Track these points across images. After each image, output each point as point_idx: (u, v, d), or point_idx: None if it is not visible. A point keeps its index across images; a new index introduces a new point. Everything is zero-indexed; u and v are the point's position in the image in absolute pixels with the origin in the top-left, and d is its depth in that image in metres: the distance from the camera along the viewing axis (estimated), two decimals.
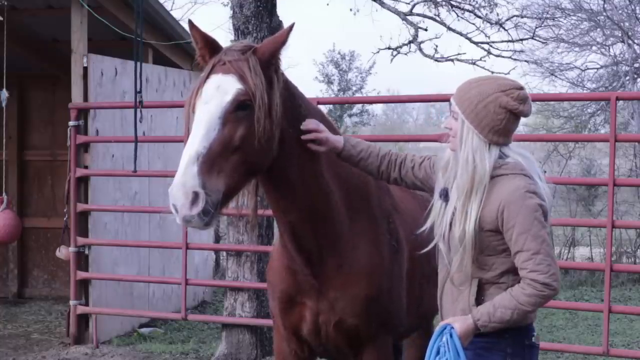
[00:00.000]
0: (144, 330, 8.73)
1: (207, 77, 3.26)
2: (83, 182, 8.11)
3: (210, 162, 3.08)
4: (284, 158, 3.42)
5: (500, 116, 3.12)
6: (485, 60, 14.92)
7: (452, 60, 14.86)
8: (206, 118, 3.15)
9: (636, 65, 15.55)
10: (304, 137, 3.50)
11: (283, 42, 3.33)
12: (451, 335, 3.04)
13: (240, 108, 3.19)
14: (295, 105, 3.50)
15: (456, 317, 3.13)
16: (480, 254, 3.12)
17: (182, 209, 3.03)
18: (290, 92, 3.49)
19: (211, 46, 3.36)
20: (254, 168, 3.31)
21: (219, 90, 3.20)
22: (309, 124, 3.52)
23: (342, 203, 3.66)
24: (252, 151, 3.21)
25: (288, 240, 3.65)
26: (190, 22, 3.41)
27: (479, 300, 3.15)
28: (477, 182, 3.08)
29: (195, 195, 3.02)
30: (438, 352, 3.06)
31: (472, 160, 3.09)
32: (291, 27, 3.36)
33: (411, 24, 14.28)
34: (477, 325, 3.07)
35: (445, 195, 3.23)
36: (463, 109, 3.13)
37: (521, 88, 3.18)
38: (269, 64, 3.31)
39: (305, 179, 3.52)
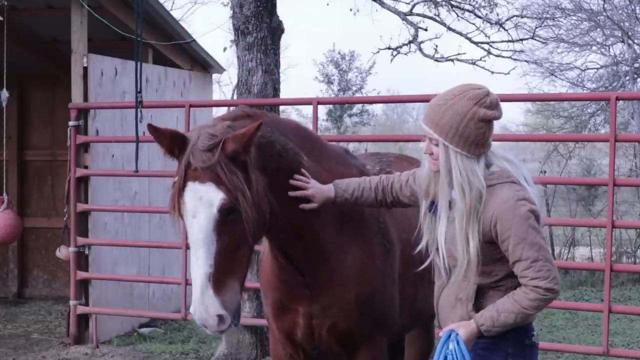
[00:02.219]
0: (144, 330, 8.73)
1: (184, 184, 3.20)
2: (83, 182, 8.11)
3: (220, 275, 3.17)
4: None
5: (482, 130, 3.10)
6: (485, 60, 14.95)
7: (452, 60, 14.88)
8: (202, 235, 3.17)
9: (636, 65, 15.54)
10: (291, 193, 3.55)
11: (250, 141, 3.21)
12: (458, 342, 3.04)
13: (228, 214, 3.18)
14: (267, 155, 3.42)
15: (460, 322, 3.13)
16: (479, 265, 3.11)
17: (212, 328, 3.19)
18: (262, 150, 3.37)
19: (178, 141, 3.27)
20: (257, 240, 3.44)
21: (203, 202, 3.17)
22: (296, 181, 3.56)
23: (330, 210, 3.66)
24: (250, 241, 3.29)
25: (278, 255, 3.68)
26: (150, 126, 3.29)
27: (477, 305, 3.16)
28: (475, 201, 3.07)
29: (220, 317, 3.15)
30: None
31: (467, 181, 3.08)
32: (257, 128, 3.21)
33: (411, 24, 14.29)
34: (480, 330, 3.07)
35: (434, 210, 3.24)
36: (444, 135, 3.10)
37: (489, 93, 3.15)
38: (237, 158, 3.22)
39: (283, 206, 3.49)
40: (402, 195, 3.62)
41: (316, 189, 3.59)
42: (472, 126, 3.08)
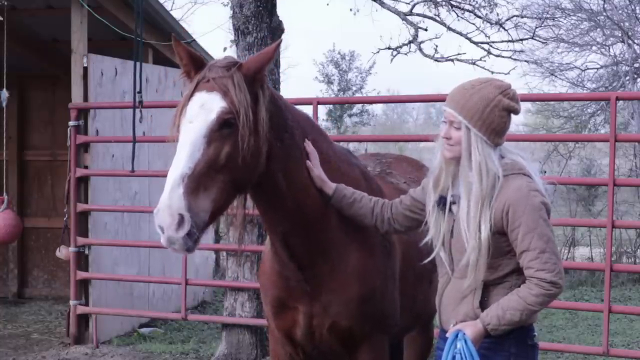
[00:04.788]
0: (144, 330, 8.73)
1: (192, 94, 3.23)
2: (83, 182, 8.11)
3: (195, 182, 3.05)
4: (272, 171, 3.39)
5: (504, 118, 3.17)
6: (485, 60, 14.98)
7: (452, 60, 14.90)
8: (191, 138, 3.12)
9: (636, 65, 15.54)
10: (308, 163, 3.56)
11: (269, 58, 3.28)
12: (466, 342, 3.04)
13: (225, 126, 3.15)
14: (281, 117, 3.46)
15: (466, 322, 3.13)
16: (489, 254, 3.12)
17: (168, 230, 3.02)
18: (276, 105, 3.43)
19: (196, 62, 3.32)
20: (241, 185, 3.29)
21: (203, 109, 3.16)
22: (308, 146, 3.59)
23: (332, 207, 3.66)
24: (238, 169, 3.18)
25: (280, 247, 3.64)
26: (175, 39, 3.37)
27: (482, 302, 3.16)
28: (490, 188, 3.09)
29: (181, 217, 3.01)
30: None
31: (485, 167, 3.11)
32: (278, 43, 3.32)
33: (411, 24, 14.30)
34: (487, 329, 3.07)
35: (443, 204, 3.24)
36: (469, 117, 3.13)
37: (511, 87, 3.23)
38: (255, 79, 3.26)
39: (293, 189, 3.50)
40: (400, 209, 3.58)
41: (319, 172, 3.60)
42: (497, 113, 3.13)
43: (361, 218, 3.66)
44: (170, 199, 3.01)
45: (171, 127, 3.26)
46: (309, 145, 3.60)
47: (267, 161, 3.33)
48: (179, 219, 3.00)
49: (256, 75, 3.26)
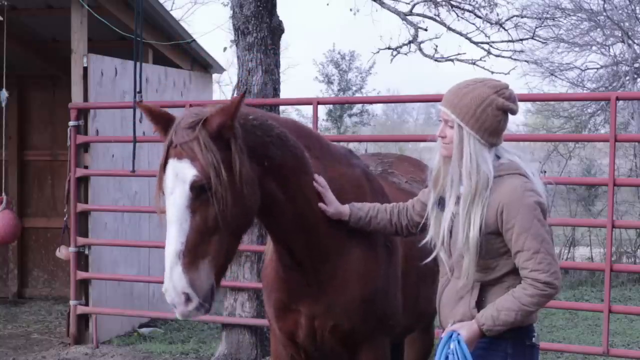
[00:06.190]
0: (144, 330, 8.73)
1: (166, 162, 3.22)
2: (83, 182, 8.11)
3: (192, 255, 3.09)
4: (267, 190, 3.39)
5: (498, 118, 3.15)
6: (485, 60, 14.95)
7: (452, 60, 14.88)
8: (175, 211, 3.13)
9: (636, 65, 15.52)
10: (321, 206, 3.58)
11: (231, 114, 3.18)
12: (459, 342, 3.04)
13: (202, 191, 3.13)
14: (265, 133, 3.40)
15: (462, 323, 3.12)
16: (483, 258, 3.11)
17: (179, 307, 3.11)
18: (254, 132, 3.35)
19: (161, 122, 3.33)
20: (241, 231, 3.33)
21: (178, 179, 3.15)
22: (317, 184, 3.60)
23: None
24: (230, 223, 3.18)
25: (283, 252, 3.66)
26: (140, 105, 3.45)
27: (479, 302, 3.15)
28: (481, 187, 3.09)
29: (187, 296, 3.08)
30: None
31: (476, 166, 3.10)
32: (242, 97, 3.21)
33: (411, 24, 14.29)
34: (482, 330, 3.07)
35: (442, 204, 3.24)
36: (462, 116, 3.13)
37: (508, 86, 3.22)
38: (221, 133, 3.19)
39: (292, 198, 3.50)
40: (414, 214, 3.61)
41: (334, 206, 3.63)
42: (490, 112, 3.13)
43: (383, 230, 3.70)
44: (172, 280, 3.07)
45: (156, 197, 3.26)
46: (320, 179, 3.60)
47: (260, 186, 3.33)
48: (185, 298, 3.08)
49: (222, 130, 3.19)
